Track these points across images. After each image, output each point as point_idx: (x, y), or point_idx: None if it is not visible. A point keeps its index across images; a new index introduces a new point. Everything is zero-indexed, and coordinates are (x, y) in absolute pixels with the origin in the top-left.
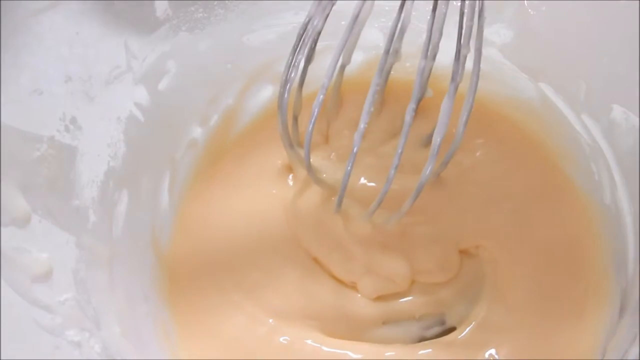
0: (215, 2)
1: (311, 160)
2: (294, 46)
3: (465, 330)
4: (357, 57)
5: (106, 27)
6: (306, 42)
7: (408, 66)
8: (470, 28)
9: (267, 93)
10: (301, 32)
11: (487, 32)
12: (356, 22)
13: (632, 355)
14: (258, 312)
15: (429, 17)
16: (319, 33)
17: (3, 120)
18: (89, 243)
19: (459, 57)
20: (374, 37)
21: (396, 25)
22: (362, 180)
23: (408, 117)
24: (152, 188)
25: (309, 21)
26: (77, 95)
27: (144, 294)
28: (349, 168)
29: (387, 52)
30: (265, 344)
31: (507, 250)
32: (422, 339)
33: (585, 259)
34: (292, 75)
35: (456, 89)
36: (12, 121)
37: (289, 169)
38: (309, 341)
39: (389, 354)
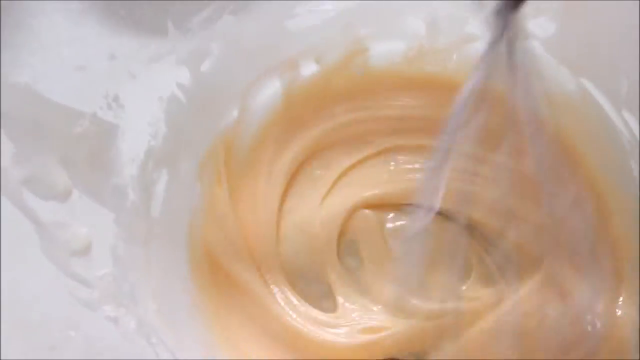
0: None
1: None
2: None
3: None
4: (398, 47)
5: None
6: None
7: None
8: None
9: None
10: None
11: (530, 25)
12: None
13: None
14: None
15: None
16: None
17: (46, 95)
18: (127, 220)
19: None
20: (416, 27)
21: None
22: None
23: None
24: (191, 169)
25: None
26: (119, 73)
27: (180, 273)
28: None
29: None
30: (295, 328)
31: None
32: None
33: (616, 256)
34: None
35: None
36: (55, 96)
37: None
38: None
39: None
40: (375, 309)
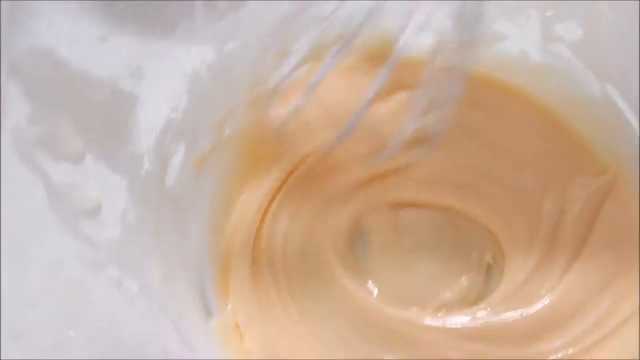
0: None
1: None
2: None
3: None
4: (427, 41)
5: None
6: None
7: None
8: None
9: None
10: None
11: (558, 28)
12: None
13: None
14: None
15: None
16: None
17: (69, 61)
18: (140, 189)
19: None
20: (443, 23)
21: None
22: None
23: None
24: (209, 144)
25: None
26: (144, 45)
27: (189, 245)
28: None
29: None
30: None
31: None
32: None
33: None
34: None
35: None
36: (77, 64)
37: None
38: None
39: None
40: (376, 296)
